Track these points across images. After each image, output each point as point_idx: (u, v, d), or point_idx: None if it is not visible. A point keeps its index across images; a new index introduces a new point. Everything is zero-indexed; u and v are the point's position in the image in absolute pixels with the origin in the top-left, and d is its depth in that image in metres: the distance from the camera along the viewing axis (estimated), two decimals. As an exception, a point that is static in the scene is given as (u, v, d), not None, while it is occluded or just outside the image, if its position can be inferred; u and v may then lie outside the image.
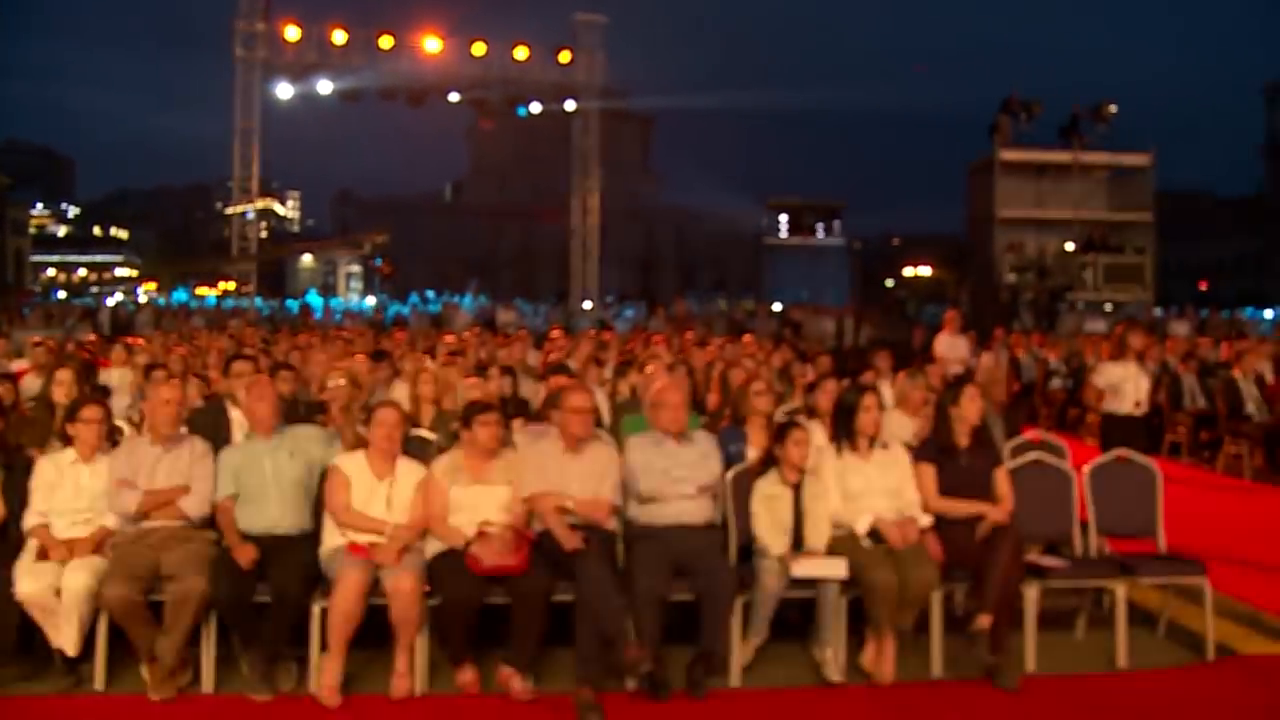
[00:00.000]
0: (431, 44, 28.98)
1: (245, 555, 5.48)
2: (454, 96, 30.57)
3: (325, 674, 5.29)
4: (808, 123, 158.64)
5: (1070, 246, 32.32)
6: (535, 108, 31.62)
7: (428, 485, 5.85)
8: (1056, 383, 16.92)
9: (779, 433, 5.99)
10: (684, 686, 5.40)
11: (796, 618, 5.91)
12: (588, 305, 28.45)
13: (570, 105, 30.80)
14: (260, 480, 5.84)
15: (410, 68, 29.43)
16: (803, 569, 5.62)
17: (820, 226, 40.60)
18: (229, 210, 29.78)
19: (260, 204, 38.92)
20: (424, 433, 7.20)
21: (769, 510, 5.84)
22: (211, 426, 6.85)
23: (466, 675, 5.46)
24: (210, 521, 5.83)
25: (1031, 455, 6.78)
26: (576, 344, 13.63)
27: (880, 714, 5.34)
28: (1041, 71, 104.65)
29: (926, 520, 5.92)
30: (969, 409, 6.20)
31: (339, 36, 28.59)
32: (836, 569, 5.63)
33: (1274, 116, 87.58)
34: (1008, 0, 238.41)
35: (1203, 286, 67.16)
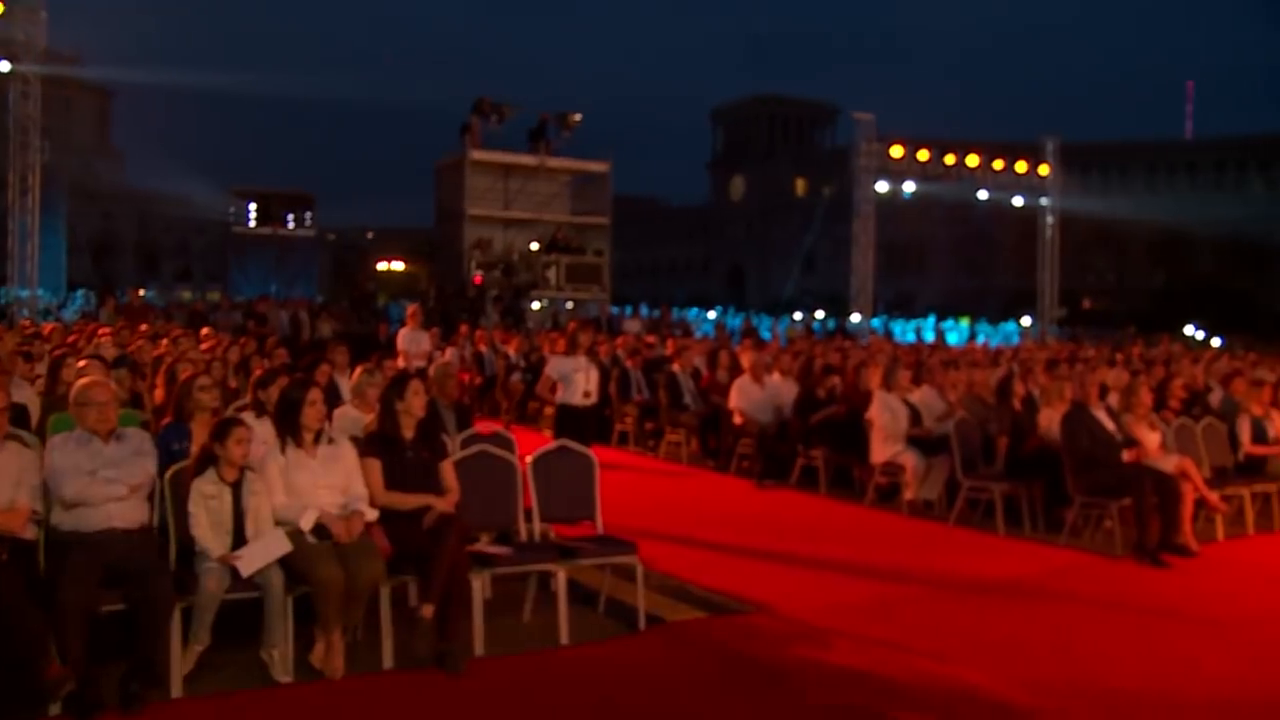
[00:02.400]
0: None
1: None
2: None
3: None
4: (279, 110, 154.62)
5: (535, 246, 33.86)
6: (-36, 66, 28.05)
7: None
8: (516, 376, 17.70)
9: (219, 430, 5.78)
10: (117, 703, 5.03)
11: (242, 620, 5.73)
12: (25, 293, 25.69)
13: (5, 66, 27.55)
14: None
15: None
16: (246, 563, 5.47)
17: (290, 217, 39.49)
18: None
19: None
20: None
21: (208, 510, 5.63)
22: None
23: None
24: None
25: (478, 447, 7.03)
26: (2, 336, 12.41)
27: (330, 710, 5.30)
28: (511, 79, 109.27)
29: (373, 514, 5.96)
30: (414, 403, 6.34)
31: None
32: (278, 544, 5.56)
33: (718, 137, 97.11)
34: (481, 7, 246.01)
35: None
